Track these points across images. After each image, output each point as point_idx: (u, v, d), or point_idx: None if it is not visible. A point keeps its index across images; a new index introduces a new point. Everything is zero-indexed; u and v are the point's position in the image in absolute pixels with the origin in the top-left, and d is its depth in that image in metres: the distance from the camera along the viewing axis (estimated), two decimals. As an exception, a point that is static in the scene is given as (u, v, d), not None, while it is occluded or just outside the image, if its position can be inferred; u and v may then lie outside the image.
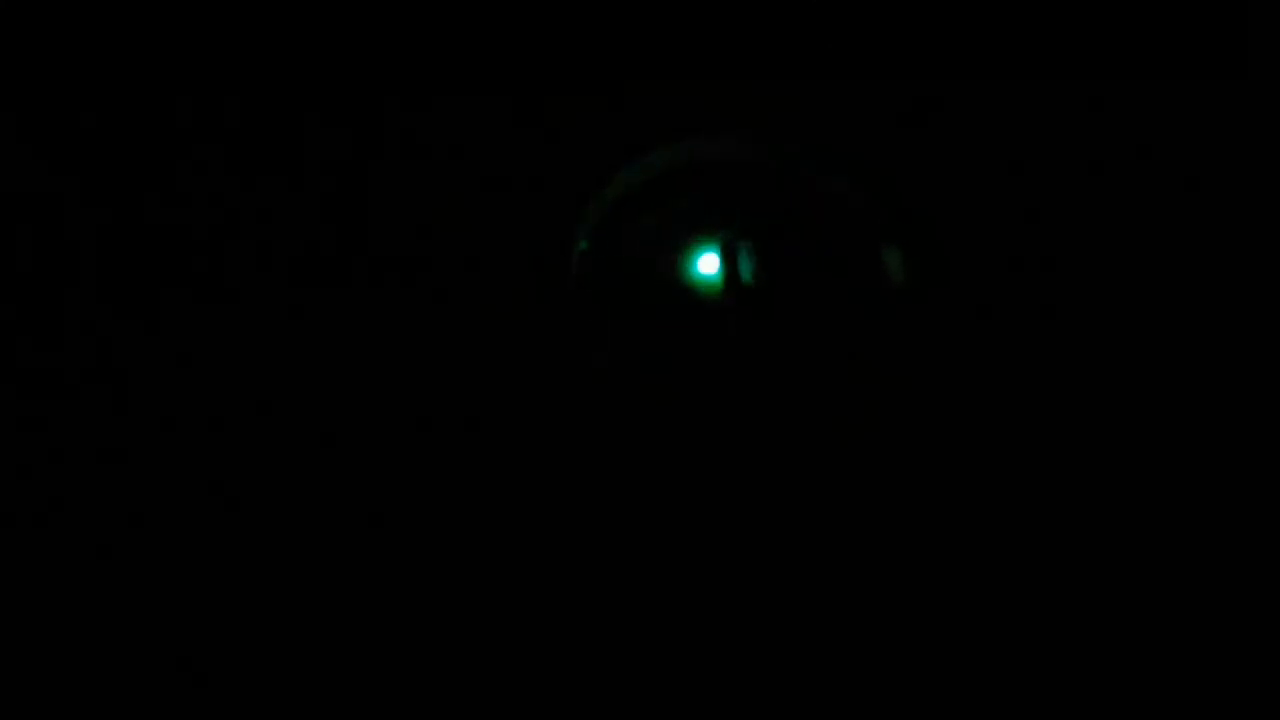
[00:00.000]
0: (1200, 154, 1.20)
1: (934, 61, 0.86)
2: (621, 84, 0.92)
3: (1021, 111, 1.22)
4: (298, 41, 0.87)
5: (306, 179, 0.84)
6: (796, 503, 1.13)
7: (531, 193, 0.96)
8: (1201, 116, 1.09)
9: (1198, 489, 1.11)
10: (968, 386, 0.87)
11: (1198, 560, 1.11)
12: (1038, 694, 1.15)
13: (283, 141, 0.84)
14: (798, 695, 1.02)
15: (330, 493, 0.84)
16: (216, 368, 0.90)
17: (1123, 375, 1.14)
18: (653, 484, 0.92)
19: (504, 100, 0.89)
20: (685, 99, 0.93)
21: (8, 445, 1.01)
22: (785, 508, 1.14)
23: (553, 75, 0.84)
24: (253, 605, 0.99)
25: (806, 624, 1.04)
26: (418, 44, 0.88)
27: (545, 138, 0.94)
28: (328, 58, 0.89)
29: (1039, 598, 1.10)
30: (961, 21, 0.91)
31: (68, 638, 0.89)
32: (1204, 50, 0.88)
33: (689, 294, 0.78)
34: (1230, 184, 1.18)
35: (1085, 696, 1.16)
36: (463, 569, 0.89)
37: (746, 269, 0.79)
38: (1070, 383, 1.06)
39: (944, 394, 0.87)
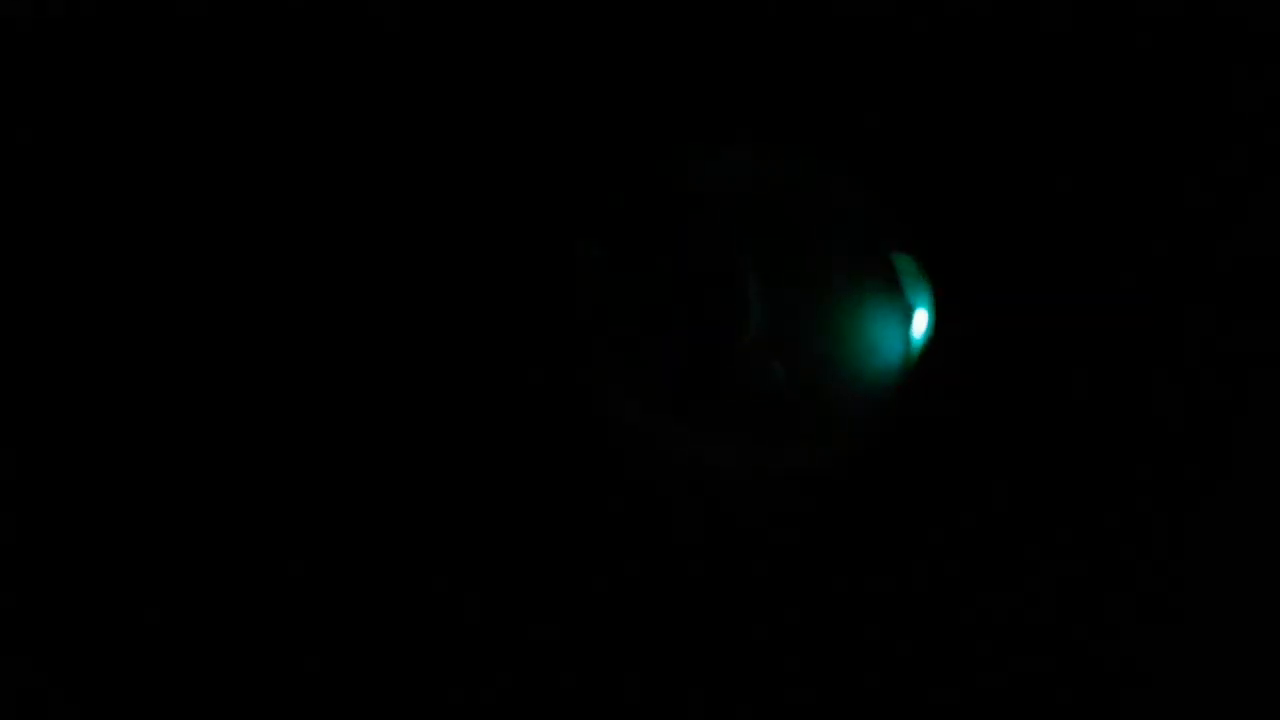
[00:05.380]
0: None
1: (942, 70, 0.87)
2: (632, 87, 0.91)
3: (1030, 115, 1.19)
4: (295, 39, 0.87)
5: (304, 178, 0.84)
6: (801, 515, 1.12)
7: (538, 196, 0.95)
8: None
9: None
10: (983, 398, 0.86)
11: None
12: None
13: (280, 140, 0.84)
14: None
15: (324, 494, 0.84)
16: (206, 369, 0.90)
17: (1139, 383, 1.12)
18: (654, 492, 0.92)
19: (511, 98, 0.89)
20: (694, 104, 0.93)
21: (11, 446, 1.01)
22: (790, 519, 1.13)
23: (561, 74, 0.85)
24: (251, 605, 0.98)
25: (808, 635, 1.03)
26: (420, 42, 0.89)
27: (553, 139, 0.92)
28: (327, 55, 0.89)
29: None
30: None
31: (68, 637, 0.90)
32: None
33: (695, 306, 0.76)
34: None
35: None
36: (456, 574, 0.88)
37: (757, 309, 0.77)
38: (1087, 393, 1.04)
39: (959, 406, 0.86)
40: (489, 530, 0.76)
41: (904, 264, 0.81)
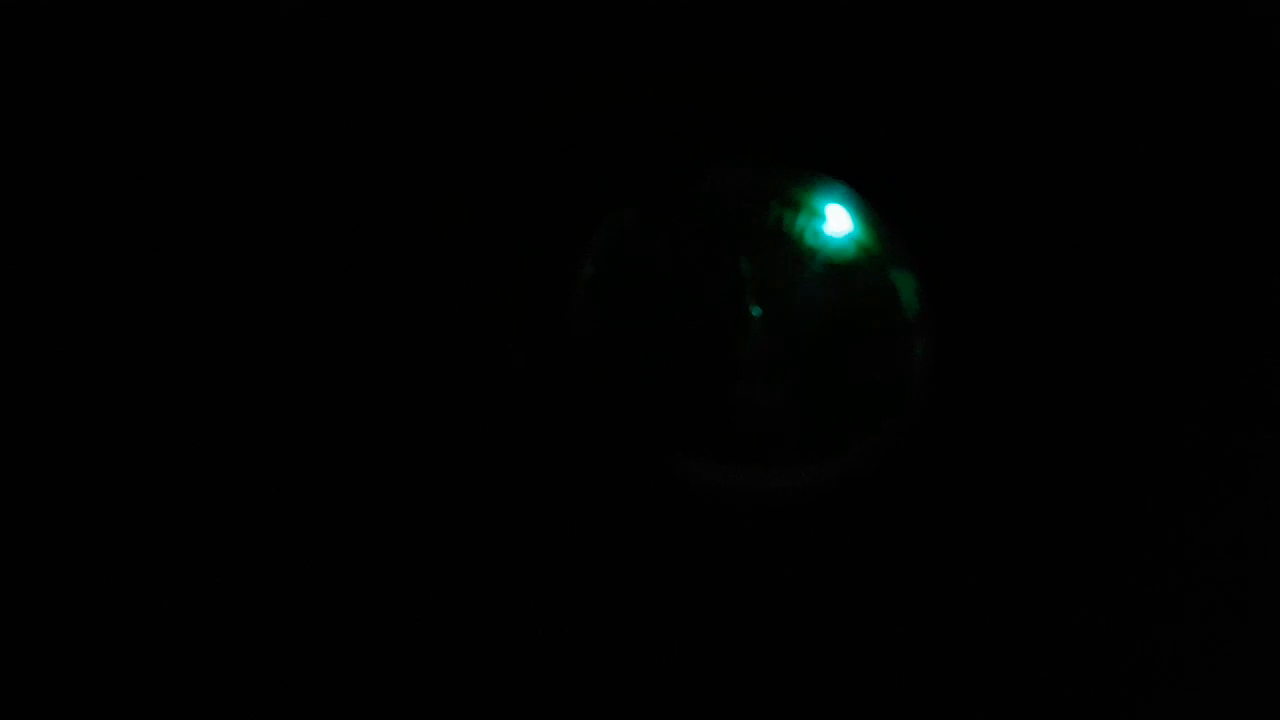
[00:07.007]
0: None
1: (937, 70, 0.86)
2: (630, 106, 0.91)
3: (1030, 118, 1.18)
4: (295, 39, 0.88)
5: (305, 180, 0.84)
6: (799, 516, 1.11)
7: (535, 214, 0.94)
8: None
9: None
10: (986, 415, 0.85)
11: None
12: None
13: (281, 140, 0.84)
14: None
15: (320, 496, 0.83)
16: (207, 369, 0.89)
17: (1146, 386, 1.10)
18: (655, 494, 0.91)
19: (510, 112, 0.88)
20: (690, 115, 0.92)
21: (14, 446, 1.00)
22: (788, 520, 1.12)
23: (559, 91, 0.84)
24: (250, 605, 0.97)
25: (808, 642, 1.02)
26: (421, 44, 0.89)
27: (550, 155, 0.91)
28: (328, 56, 0.90)
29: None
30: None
31: (68, 638, 0.89)
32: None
33: (695, 310, 0.75)
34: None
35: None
36: (447, 580, 0.88)
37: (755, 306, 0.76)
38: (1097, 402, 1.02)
39: (962, 425, 0.85)
40: (481, 541, 0.76)
41: (903, 281, 0.81)
